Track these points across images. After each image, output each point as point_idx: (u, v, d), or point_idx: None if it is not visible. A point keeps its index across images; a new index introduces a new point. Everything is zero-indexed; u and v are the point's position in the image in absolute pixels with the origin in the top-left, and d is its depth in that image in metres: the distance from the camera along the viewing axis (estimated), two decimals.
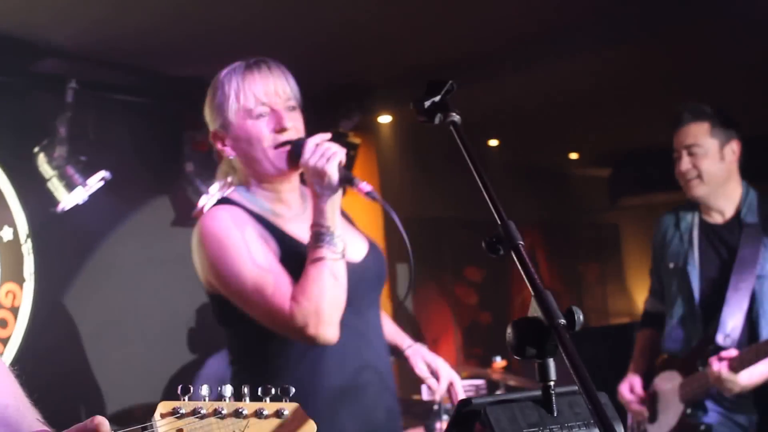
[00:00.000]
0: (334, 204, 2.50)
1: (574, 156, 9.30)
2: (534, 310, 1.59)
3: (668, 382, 3.82)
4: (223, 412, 1.62)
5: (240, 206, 2.60)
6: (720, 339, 3.66)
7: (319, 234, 2.47)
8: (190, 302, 5.35)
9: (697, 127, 3.81)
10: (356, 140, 5.97)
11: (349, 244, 2.62)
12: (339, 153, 2.52)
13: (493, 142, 8.17)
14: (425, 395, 5.25)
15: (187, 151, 5.18)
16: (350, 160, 5.88)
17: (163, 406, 1.59)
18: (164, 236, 5.44)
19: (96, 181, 4.64)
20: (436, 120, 1.97)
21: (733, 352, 3.55)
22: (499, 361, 4.60)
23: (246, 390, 1.64)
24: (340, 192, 2.52)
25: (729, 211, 3.84)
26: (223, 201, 2.64)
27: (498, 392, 4.97)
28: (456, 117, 1.94)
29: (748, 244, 3.73)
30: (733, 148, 3.81)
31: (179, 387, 1.61)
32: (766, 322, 3.67)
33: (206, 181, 5.15)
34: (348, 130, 5.95)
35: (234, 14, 4.48)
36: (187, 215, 5.30)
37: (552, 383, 1.59)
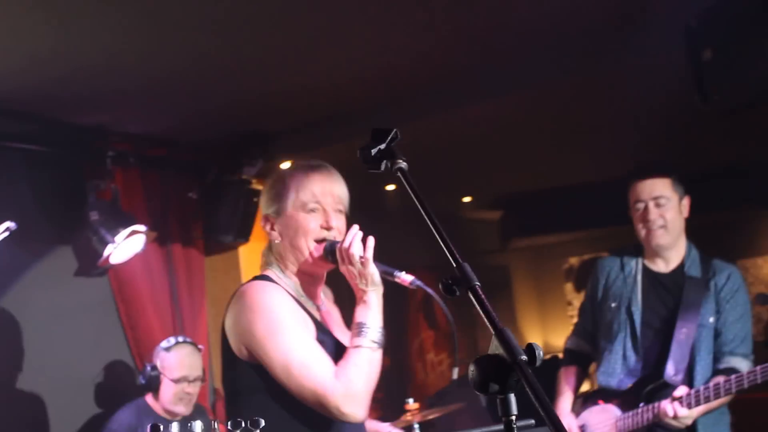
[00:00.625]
0: (378, 303, 2.75)
1: (467, 199, 9.47)
2: (495, 348, 1.66)
3: (600, 415, 3.95)
4: None
5: (278, 285, 2.82)
6: (669, 376, 3.87)
7: (361, 325, 2.70)
8: (95, 353, 5.26)
9: (663, 181, 4.02)
10: (259, 187, 5.98)
11: (343, 333, 2.92)
12: (370, 249, 2.76)
13: (390, 187, 8.26)
14: None
15: (91, 200, 5.10)
16: (254, 206, 5.89)
17: None
18: (68, 286, 5.34)
19: (1, 231, 4.53)
20: (383, 167, 2.04)
21: (683, 390, 3.79)
22: (411, 403, 4.64)
23: (216, 425, 1.70)
24: (381, 292, 2.77)
25: (674, 262, 4.07)
26: (262, 278, 2.86)
27: None
28: (403, 163, 2.01)
29: (691, 295, 3.99)
30: (685, 203, 4.06)
31: (149, 427, 1.64)
32: (701, 367, 3.94)
33: (111, 230, 5.07)
34: (251, 176, 5.96)
35: (136, 65, 4.47)
36: (91, 265, 5.22)
37: (514, 417, 1.65)
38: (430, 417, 4.89)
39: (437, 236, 1.85)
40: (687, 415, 3.75)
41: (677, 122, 6.14)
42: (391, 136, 2.06)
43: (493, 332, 1.67)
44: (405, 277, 2.78)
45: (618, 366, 3.99)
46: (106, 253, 5.10)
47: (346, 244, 2.72)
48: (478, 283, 1.77)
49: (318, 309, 2.90)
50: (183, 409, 4.77)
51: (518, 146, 7.20)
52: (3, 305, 5.00)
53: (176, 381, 4.72)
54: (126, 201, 5.44)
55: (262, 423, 1.70)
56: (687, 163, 8.15)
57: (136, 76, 4.65)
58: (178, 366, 4.75)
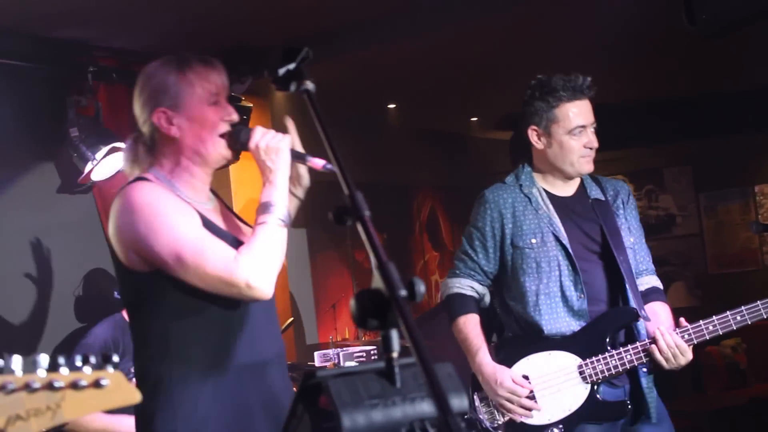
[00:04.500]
0: (283, 181, 2.68)
1: (474, 119, 9.38)
2: (376, 282, 1.60)
3: (550, 364, 3.59)
4: (35, 385, 1.51)
5: (156, 183, 2.71)
6: (642, 312, 3.58)
7: (266, 204, 2.64)
8: (77, 270, 5.27)
9: (588, 104, 3.67)
10: (248, 104, 5.91)
11: (244, 234, 2.82)
12: (288, 137, 2.72)
13: (392, 105, 8.20)
14: (318, 361, 5.28)
15: (71, 116, 5.06)
16: (244, 124, 5.81)
17: None
18: (52, 203, 5.35)
19: None
20: (291, 88, 1.96)
21: (668, 328, 3.53)
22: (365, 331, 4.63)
23: (62, 360, 1.55)
24: (288, 171, 2.69)
25: (574, 185, 3.77)
26: (141, 179, 2.71)
27: None
28: (310, 85, 1.93)
29: (608, 219, 3.72)
30: None
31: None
32: (637, 298, 3.65)
33: (92, 147, 5.04)
34: (240, 93, 5.89)
35: None
36: (72, 182, 5.21)
37: (395, 354, 1.60)
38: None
39: (334, 162, 1.77)
40: (688, 351, 3.49)
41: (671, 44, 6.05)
42: (302, 55, 1.96)
43: (376, 265, 1.60)
44: (316, 162, 2.67)
45: (559, 308, 3.60)
46: (86, 170, 5.08)
47: (271, 142, 2.66)
48: (368, 213, 1.69)
49: (206, 207, 2.78)
50: None
51: (527, 63, 7.08)
52: None
53: None
54: (112, 118, 5.40)
55: (116, 357, 1.61)
56: (691, 86, 8.11)
57: None
58: None
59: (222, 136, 2.71)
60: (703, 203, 11.05)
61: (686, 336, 3.53)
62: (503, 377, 3.56)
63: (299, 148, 2.78)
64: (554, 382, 3.57)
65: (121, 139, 5.21)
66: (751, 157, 10.58)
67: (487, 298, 3.87)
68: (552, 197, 3.70)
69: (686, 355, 3.51)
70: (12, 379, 1.50)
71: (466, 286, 3.77)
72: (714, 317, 3.53)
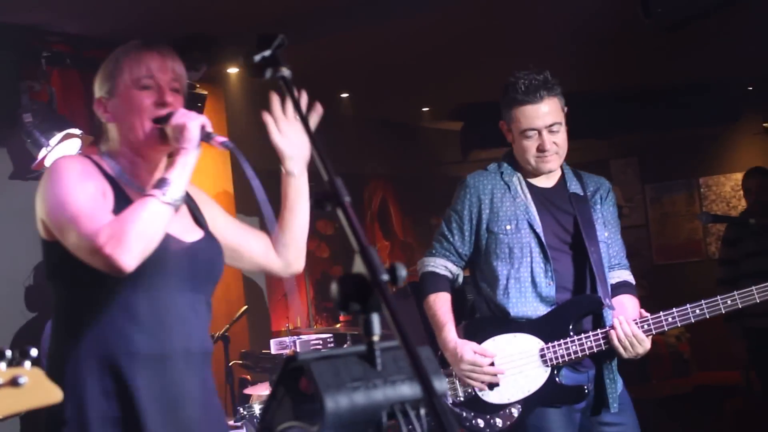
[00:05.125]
0: (187, 163, 2.60)
1: (426, 109, 9.43)
2: (358, 266, 1.62)
3: (513, 346, 3.67)
4: None
5: (94, 164, 2.67)
6: (606, 301, 3.66)
7: (161, 180, 2.55)
8: (28, 257, 5.22)
9: (552, 102, 3.70)
10: (203, 92, 5.90)
11: (183, 226, 2.72)
12: (203, 117, 2.64)
13: (345, 95, 8.22)
14: (274, 349, 5.29)
15: (24, 101, 5.01)
16: (198, 111, 5.80)
17: None
18: (4, 189, 5.29)
19: None
20: (267, 75, 1.96)
21: (626, 317, 3.60)
22: (346, 314, 4.65)
23: None
24: (195, 154, 2.61)
25: (555, 177, 3.83)
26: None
27: (345, 345, 5.06)
28: (286, 72, 1.94)
29: (585, 213, 3.80)
30: (564, 112, 3.79)
31: None
32: (605, 288, 3.73)
33: (45, 133, 5.00)
34: (195, 81, 5.87)
35: None
36: (26, 168, 5.15)
37: (376, 338, 1.62)
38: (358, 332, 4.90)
39: (313, 148, 1.78)
40: (646, 340, 3.57)
41: (636, 40, 6.14)
42: (277, 42, 1.98)
43: (358, 250, 1.63)
44: (218, 139, 2.61)
45: (528, 293, 3.68)
46: (40, 156, 5.03)
47: (180, 120, 2.59)
48: (348, 199, 1.71)
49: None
50: None
51: (479, 55, 7.17)
52: None
53: None
54: (65, 104, 5.36)
55: (35, 352, 1.54)
56: (639, 79, 8.23)
57: None
58: None
59: (151, 122, 2.66)
60: (649, 194, 11.23)
61: (645, 326, 3.61)
62: (464, 350, 3.65)
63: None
64: (517, 363, 3.64)
65: (74, 125, 5.17)
66: (696, 150, 10.76)
67: (461, 279, 3.96)
68: (531, 187, 3.78)
69: (644, 345, 3.58)
70: None
71: (441, 265, 3.85)
72: (674, 309, 3.61)
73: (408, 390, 1.66)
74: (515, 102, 3.68)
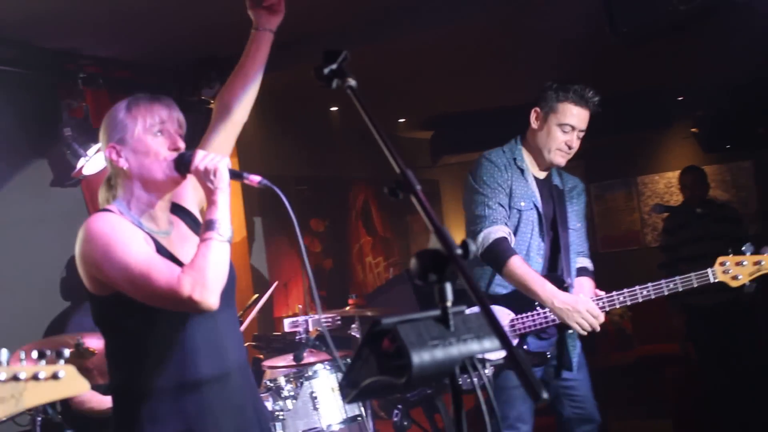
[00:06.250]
0: (224, 199, 2.61)
1: (402, 120, 9.48)
2: (434, 243, 1.68)
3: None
4: (2, 377, 1.60)
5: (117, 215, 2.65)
6: (566, 279, 3.80)
7: (210, 222, 2.56)
8: (65, 255, 5.21)
9: (587, 114, 3.85)
10: None
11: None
12: (227, 159, 2.65)
13: (334, 108, 8.26)
14: (287, 327, 5.31)
15: (64, 117, 5.05)
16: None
17: None
18: (44, 196, 5.28)
19: None
20: (334, 85, 2.02)
21: (597, 293, 3.76)
22: (355, 298, 4.73)
23: (23, 355, 1.64)
24: (228, 192, 2.62)
25: (546, 172, 3.97)
26: (103, 211, 2.67)
27: (353, 325, 5.11)
28: (353, 82, 2.00)
29: (563, 203, 3.94)
30: None
31: None
32: (572, 269, 3.90)
33: (83, 145, 5.02)
34: (209, 97, 5.91)
35: None
36: (64, 176, 5.16)
37: (449, 303, 1.68)
38: (368, 313, 4.96)
39: (384, 147, 1.85)
40: (600, 317, 3.68)
41: (588, 52, 6.22)
42: (341, 57, 2.04)
43: (432, 230, 1.69)
44: (253, 178, 2.61)
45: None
46: (78, 165, 5.04)
47: (210, 164, 2.58)
48: (419, 187, 1.78)
49: (166, 235, 2.74)
50: None
51: (447, 73, 7.24)
52: None
53: None
54: (96, 119, 5.36)
55: (67, 352, 1.66)
56: (595, 87, 8.31)
57: (105, 5, 4.58)
58: None
59: (169, 161, 2.65)
60: (594, 192, 11.34)
61: (600, 303, 3.73)
62: (577, 302, 3.66)
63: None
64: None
65: None
66: (634, 152, 10.90)
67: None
68: (533, 176, 3.91)
69: (599, 319, 3.69)
70: None
71: (504, 231, 3.79)
72: (625, 290, 3.73)
73: (476, 346, 1.71)
74: (567, 98, 3.79)
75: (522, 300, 3.75)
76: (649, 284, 3.71)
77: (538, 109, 3.87)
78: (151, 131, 2.64)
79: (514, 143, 3.96)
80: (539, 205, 3.83)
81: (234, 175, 2.62)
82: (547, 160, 3.87)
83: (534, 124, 3.88)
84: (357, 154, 8.99)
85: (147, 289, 2.46)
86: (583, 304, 3.65)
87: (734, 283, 3.74)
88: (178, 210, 2.85)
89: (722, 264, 3.75)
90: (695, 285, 3.73)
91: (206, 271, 2.46)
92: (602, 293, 3.79)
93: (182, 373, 2.59)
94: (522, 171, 3.86)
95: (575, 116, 3.81)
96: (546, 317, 3.72)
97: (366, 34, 5.82)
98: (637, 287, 3.73)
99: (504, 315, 3.75)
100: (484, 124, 8.59)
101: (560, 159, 3.86)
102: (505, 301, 3.79)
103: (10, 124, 5.04)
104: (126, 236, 2.52)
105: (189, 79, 5.87)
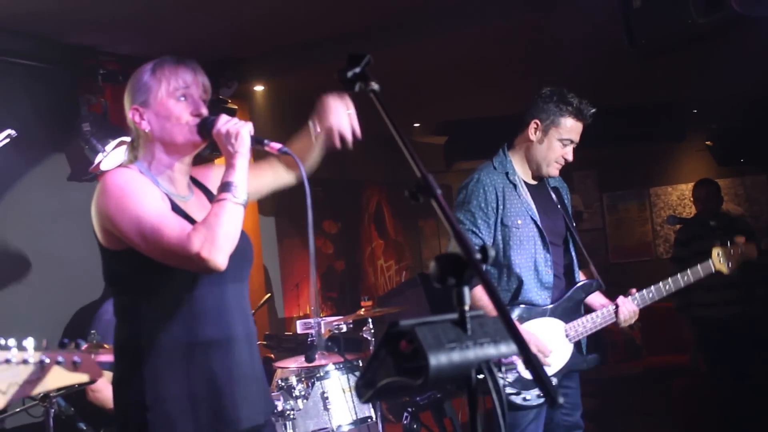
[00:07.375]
0: (243, 164, 2.59)
1: (416, 125, 9.49)
2: (453, 248, 1.69)
3: (545, 328, 3.70)
4: (30, 360, 1.80)
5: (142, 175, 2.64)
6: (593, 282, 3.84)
7: (226, 184, 2.55)
8: (85, 249, 5.24)
9: (581, 128, 3.84)
10: (234, 106, 5.96)
11: None
12: (249, 124, 2.63)
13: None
14: (300, 329, 5.32)
15: (83, 112, 5.05)
16: None
17: None
18: (62, 190, 5.29)
19: (2, 138, 4.46)
20: (356, 88, 2.02)
21: (623, 298, 3.81)
22: (366, 300, 4.74)
23: (45, 342, 1.79)
24: (248, 157, 2.60)
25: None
26: (121, 167, 2.67)
27: (365, 327, 5.11)
28: (375, 86, 2.00)
29: (565, 207, 3.94)
30: None
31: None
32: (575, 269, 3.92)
33: (102, 140, 5.03)
34: (227, 96, 5.94)
35: None
36: (82, 171, 5.17)
37: (467, 307, 1.69)
38: (379, 314, 4.98)
39: (405, 150, 1.85)
40: (638, 313, 3.82)
41: (605, 63, 6.23)
42: (365, 61, 2.05)
43: (452, 234, 1.70)
44: (274, 145, 2.59)
45: (532, 280, 3.72)
46: (96, 160, 5.05)
47: (232, 128, 2.57)
48: (439, 191, 1.79)
49: (184, 199, 2.72)
50: None
51: (463, 78, 7.25)
52: (3, 206, 4.95)
53: None
54: (115, 114, 5.38)
55: (84, 344, 1.73)
56: (610, 98, 8.32)
57: (126, 4, 4.61)
58: None
59: (191, 125, 2.63)
60: (606, 202, 11.33)
61: (635, 302, 3.84)
62: (529, 337, 3.60)
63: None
64: (552, 344, 3.69)
65: (126, 133, 5.19)
66: (648, 163, 10.88)
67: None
68: (526, 185, 3.85)
69: (637, 316, 3.84)
70: (11, 354, 1.78)
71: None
72: (651, 287, 3.88)
73: (493, 350, 1.71)
74: (569, 113, 3.77)
75: (568, 308, 3.78)
76: (669, 279, 3.93)
77: (538, 121, 3.81)
78: (174, 95, 2.63)
79: (503, 155, 3.87)
80: (536, 218, 3.77)
81: (255, 141, 2.60)
82: (544, 173, 3.84)
83: (533, 136, 3.80)
84: (371, 157, 9.01)
85: (157, 243, 2.45)
86: (535, 340, 3.63)
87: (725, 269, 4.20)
88: (202, 187, 2.84)
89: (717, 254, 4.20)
90: (702, 275, 4.08)
91: (217, 230, 2.44)
92: (635, 292, 3.85)
93: (186, 333, 2.57)
94: (515, 186, 3.79)
95: (575, 131, 3.80)
96: (594, 321, 3.76)
97: (382, 38, 5.84)
98: (660, 282, 3.92)
99: (557, 325, 3.74)
100: (498, 131, 8.60)
101: (557, 171, 3.86)
102: (554, 311, 3.77)
103: (29, 118, 5.08)
104: (141, 190, 2.51)
105: (209, 79, 5.90)
